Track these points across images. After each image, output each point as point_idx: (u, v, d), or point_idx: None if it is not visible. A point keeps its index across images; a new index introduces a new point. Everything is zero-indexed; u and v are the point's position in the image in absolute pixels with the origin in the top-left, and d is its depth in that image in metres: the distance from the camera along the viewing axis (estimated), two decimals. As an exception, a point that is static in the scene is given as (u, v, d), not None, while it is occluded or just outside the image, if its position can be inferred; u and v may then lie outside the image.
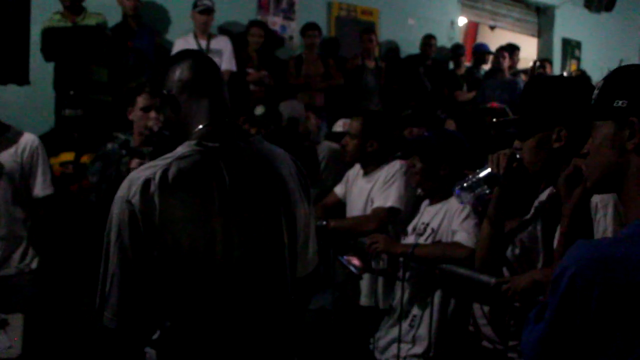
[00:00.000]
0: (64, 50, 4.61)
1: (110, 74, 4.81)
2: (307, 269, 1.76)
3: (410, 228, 2.77)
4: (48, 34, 4.62)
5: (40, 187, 3.02)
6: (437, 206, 2.67)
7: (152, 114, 2.86)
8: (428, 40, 6.78)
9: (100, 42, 4.75)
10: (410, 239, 2.71)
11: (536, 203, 2.06)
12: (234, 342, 1.51)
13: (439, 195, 2.68)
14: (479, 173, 2.06)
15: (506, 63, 6.61)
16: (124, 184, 1.45)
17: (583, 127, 1.78)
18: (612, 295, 1.08)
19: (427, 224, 2.66)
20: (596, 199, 1.72)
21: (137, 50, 5.06)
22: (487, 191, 2.05)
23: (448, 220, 2.57)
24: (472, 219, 2.49)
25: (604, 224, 1.68)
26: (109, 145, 3.01)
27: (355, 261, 2.85)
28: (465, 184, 2.08)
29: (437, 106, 6.10)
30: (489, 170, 2.02)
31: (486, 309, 2.47)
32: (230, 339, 1.51)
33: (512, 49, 7.09)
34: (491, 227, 2.06)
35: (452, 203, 2.57)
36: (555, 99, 1.85)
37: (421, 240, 2.63)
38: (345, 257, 2.87)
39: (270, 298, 1.57)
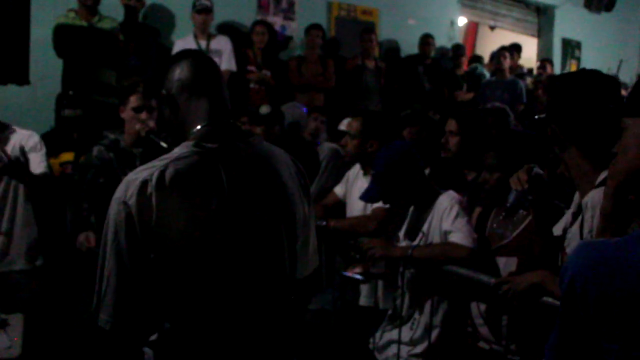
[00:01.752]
0: (77, 48, 4.63)
1: (118, 77, 4.82)
2: (307, 269, 1.76)
3: (401, 234, 2.78)
4: (62, 30, 4.63)
5: (36, 166, 2.99)
6: (423, 210, 2.68)
7: (143, 115, 2.83)
8: (426, 39, 6.76)
9: (113, 47, 4.77)
10: (402, 245, 2.72)
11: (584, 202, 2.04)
12: (233, 343, 1.51)
13: (423, 202, 2.69)
14: (509, 202, 2.04)
15: (507, 63, 6.60)
16: (121, 186, 1.44)
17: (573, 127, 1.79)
18: (608, 299, 1.06)
19: (417, 228, 2.66)
20: (587, 198, 1.71)
21: (139, 51, 5.06)
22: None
23: (436, 221, 2.57)
24: (462, 217, 2.50)
25: (589, 224, 1.68)
26: (95, 151, 2.94)
27: (358, 269, 2.85)
28: (501, 219, 2.05)
29: (437, 106, 6.10)
30: (515, 193, 2.01)
31: (483, 309, 2.47)
32: (229, 339, 1.51)
33: (513, 49, 7.06)
34: (542, 243, 2.05)
35: (437, 205, 2.58)
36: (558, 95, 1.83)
37: (413, 245, 2.63)
38: (347, 273, 2.86)
39: (269, 299, 1.57)
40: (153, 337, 1.52)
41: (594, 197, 1.69)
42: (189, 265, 1.45)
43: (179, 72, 1.59)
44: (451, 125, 3.03)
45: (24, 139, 2.99)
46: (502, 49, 6.85)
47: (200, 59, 1.64)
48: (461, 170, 3.07)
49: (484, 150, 2.57)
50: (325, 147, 4.12)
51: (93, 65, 4.67)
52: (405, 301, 2.68)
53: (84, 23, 4.69)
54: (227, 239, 1.48)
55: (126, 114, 2.87)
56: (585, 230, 1.70)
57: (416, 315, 2.65)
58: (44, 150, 3.06)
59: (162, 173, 1.43)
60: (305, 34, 6.02)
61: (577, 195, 2.01)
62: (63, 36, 4.63)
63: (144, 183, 1.41)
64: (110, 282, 1.41)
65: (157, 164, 1.46)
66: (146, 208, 1.40)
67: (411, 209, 2.77)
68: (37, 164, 3.00)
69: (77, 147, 3.99)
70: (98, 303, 1.43)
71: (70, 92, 4.33)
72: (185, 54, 1.67)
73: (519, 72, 7.13)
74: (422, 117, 4.17)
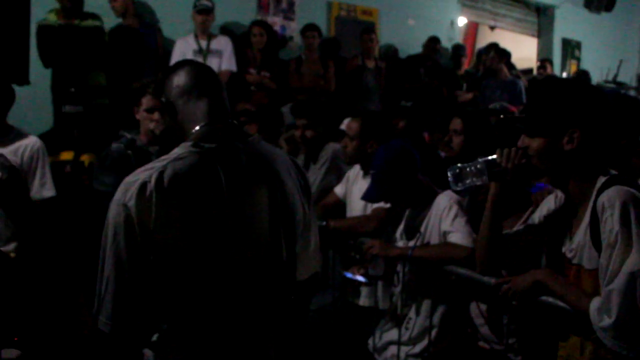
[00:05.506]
0: (60, 51, 4.57)
1: (108, 77, 4.78)
2: (308, 271, 1.75)
3: (398, 234, 2.78)
4: (43, 32, 4.54)
5: (36, 190, 3.04)
6: (420, 210, 2.68)
7: (155, 116, 2.87)
8: (434, 44, 6.73)
9: (98, 46, 4.70)
10: (399, 245, 2.72)
11: (544, 211, 2.04)
12: (232, 344, 1.51)
13: (421, 201, 2.68)
14: (481, 162, 1.99)
15: (504, 64, 6.59)
16: (120, 188, 1.44)
17: (597, 130, 1.79)
18: None
19: (414, 228, 2.66)
20: (603, 198, 1.70)
21: (138, 49, 5.05)
22: (486, 181, 1.99)
23: (434, 221, 2.57)
24: (461, 217, 2.50)
25: (610, 222, 1.67)
26: (114, 146, 3.00)
27: (360, 270, 2.85)
28: (464, 169, 2.00)
29: (439, 105, 6.10)
30: (494, 160, 1.96)
31: (483, 308, 2.47)
32: (228, 340, 1.50)
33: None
34: (490, 229, 2.06)
35: (436, 205, 2.58)
36: (570, 100, 1.82)
37: (410, 244, 2.63)
38: (349, 274, 2.86)
39: (268, 299, 1.57)
40: (153, 338, 1.52)
41: (610, 196, 1.68)
42: (188, 266, 1.45)
43: (177, 79, 1.61)
44: (456, 124, 3.01)
45: (29, 146, 3.00)
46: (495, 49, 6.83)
47: (196, 65, 1.68)
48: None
49: (487, 152, 2.56)
50: (329, 148, 4.12)
51: (80, 69, 4.58)
52: (403, 301, 2.68)
53: (63, 23, 4.59)
54: (226, 239, 1.48)
55: (140, 115, 2.93)
56: (606, 230, 1.67)
57: (411, 315, 2.65)
58: (47, 167, 3.08)
59: (161, 174, 1.43)
60: (301, 36, 6.02)
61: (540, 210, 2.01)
62: (44, 38, 4.53)
63: (143, 185, 1.41)
64: (110, 284, 1.41)
65: (156, 165, 1.46)
66: (146, 209, 1.40)
67: (408, 209, 2.77)
68: (38, 187, 3.03)
69: (77, 145, 3.99)
70: (98, 305, 1.43)
71: (72, 89, 4.32)
72: (181, 63, 1.70)
73: (514, 73, 7.09)
74: (394, 109, 4.20)
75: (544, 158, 1.85)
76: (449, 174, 2.05)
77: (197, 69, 1.65)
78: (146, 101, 2.89)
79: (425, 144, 3.99)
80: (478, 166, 1.97)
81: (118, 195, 1.43)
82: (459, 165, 2.03)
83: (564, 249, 1.92)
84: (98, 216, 1.59)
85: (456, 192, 2.49)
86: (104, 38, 4.77)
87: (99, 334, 1.42)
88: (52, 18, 4.61)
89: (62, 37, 4.56)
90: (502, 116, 2.64)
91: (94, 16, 4.75)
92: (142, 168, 1.47)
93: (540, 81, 2.12)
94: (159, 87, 1.67)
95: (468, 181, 2.00)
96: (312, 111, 3.77)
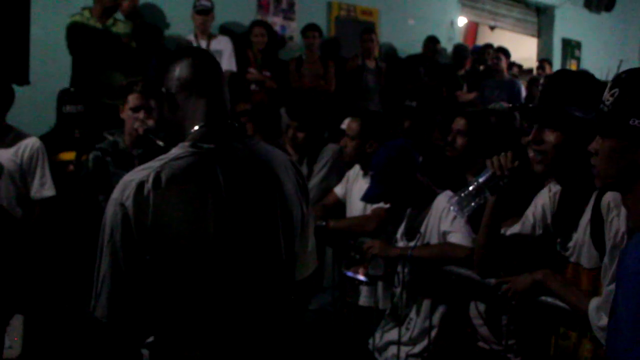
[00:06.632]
0: (90, 50, 4.59)
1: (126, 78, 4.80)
2: (306, 271, 1.76)
3: (399, 235, 2.78)
4: (76, 29, 4.57)
5: (36, 189, 3.04)
6: (421, 210, 2.68)
7: (141, 115, 2.82)
8: (433, 45, 6.73)
9: (126, 52, 4.72)
10: (400, 245, 2.72)
11: (539, 206, 2.03)
12: (230, 344, 1.51)
13: (421, 202, 2.69)
14: (476, 181, 2.00)
15: (504, 64, 6.61)
16: (118, 187, 1.44)
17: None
18: None
19: (415, 228, 2.67)
20: (608, 198, 1.69)
21: (139, 50, 5.05)
22: (489, 197, 2.00)
23: (434, 221, 2.57)
24: (461, 217, 2.50)
25: (617, 223, 1.66)
26: (91, 161, 2.95)
27: (361, 270, 2.85)
28: (463, 195, 2.01)
29: (439, 105, 6.09)
30: (489, 174, 1.96)
31: (482, 309, 2.47)
32: (225, 340, 1.50)
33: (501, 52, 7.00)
34: (488, 236, 2.05)
35: (435, 205, 2.58)
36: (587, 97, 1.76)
37: (411, 244, 2.63)
38: (351, 273, 2.86)
39: (267, 300, 1.57)
40: (150, 339, 1.52)
41: (616, 196, 1.67)
42: (186, 265, 1.45)
43: (179, 71, 1.58)
44: (459, 124, 2.99)
45: (28, 146, 3.01)
46: (494, 49, 6.84)
47: (201, 58, 1.62)
48: (463, 171, 3.05)
49: (488, 152, 2.55)
50: (330, 148, 4.12)
51: (105, 68, 4.60)
52: (403, 301, 2.68)
53: (99, 25, 4.62)
54: (224, 240, 1.47)
55: (125, 113, 2.87)
56: (612, 230, 1.67)
57: (412, 315, 2.65)
58: (47, 167, 3.08)
59: (158, 174, 1.43)
60: (302, 36, 6.02)
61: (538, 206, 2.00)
62: (77, 35, 4.58)
63: (141, 184, 1.41)
64: (106, 283, 1.42)
65: (154, 164, 1.46)
66: (143, 209, 1.40)
67: (409, 209, 2.77)
68: (38, 186, 3.04)
69: (78, 145, 3.98)
70: (94, 303, 1.43)
71: (71, 89, 4.32)
72: (186, 52, 1.66)
73: (513, 74, 7.11)
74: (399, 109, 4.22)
75: (561, 154, 1.79)
76: (451, 208, 2.06)
77: (201, 61, 1.60)
78: (133, 99, 2.83)
79: (432, 144, 3.98)
80: (476, 185, 1.98)
81: (115, 194, 1.43)
82: (456, 195, 2.04)
83: (559, 246, 1.91)
84: (98, 216, 1.59)
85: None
86: (130, 45, 4.78)
87: (97, 332, 1.43)
88: (87, 15, 4.62)
89: (95, 37, 4.58)
90: (510, 105, 2.60)
91: (125, 22, 4.78)
92: (140, 167, 1.47)
93: (559, 72, 2.01)
94: (160, 76, 1.62)
95: (472, 204, 2.01)
96: (303, 114, 3.78)
